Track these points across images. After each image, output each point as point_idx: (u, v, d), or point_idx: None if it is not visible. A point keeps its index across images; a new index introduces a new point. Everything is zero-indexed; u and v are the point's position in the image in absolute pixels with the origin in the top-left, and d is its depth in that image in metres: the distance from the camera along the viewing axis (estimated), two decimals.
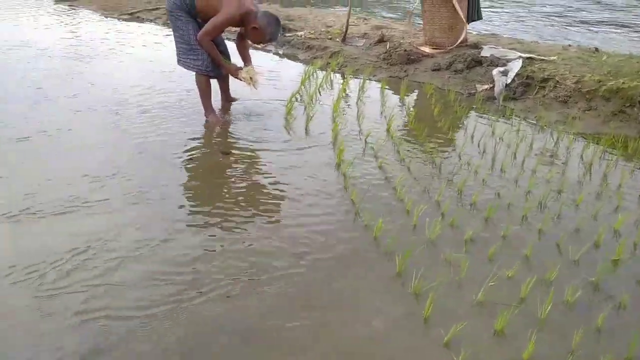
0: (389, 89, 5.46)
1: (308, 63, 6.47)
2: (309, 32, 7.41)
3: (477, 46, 6.36)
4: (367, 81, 5.67)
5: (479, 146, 4.05)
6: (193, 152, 3.61)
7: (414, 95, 5.39)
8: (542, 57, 5.70)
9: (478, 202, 3.12)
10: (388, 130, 4.20)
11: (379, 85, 5.54)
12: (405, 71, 5.98)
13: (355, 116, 4.53)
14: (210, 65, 4.04)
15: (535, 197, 3.23)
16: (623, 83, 4.83)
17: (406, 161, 3.66)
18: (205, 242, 2.56)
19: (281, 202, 3.02)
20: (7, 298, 2.10)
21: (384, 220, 2.78)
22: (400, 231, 2.77)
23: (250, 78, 4.07)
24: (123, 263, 2.34)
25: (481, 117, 4.80)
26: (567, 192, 3.33)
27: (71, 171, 3.18)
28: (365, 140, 3.97)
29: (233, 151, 3.68)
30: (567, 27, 9.87)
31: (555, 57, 5.66)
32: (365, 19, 8.41)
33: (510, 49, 6.26)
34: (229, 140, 3.92)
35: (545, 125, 4.59)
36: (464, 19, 6.25)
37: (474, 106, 5.08)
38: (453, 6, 6.12)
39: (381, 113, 4.71)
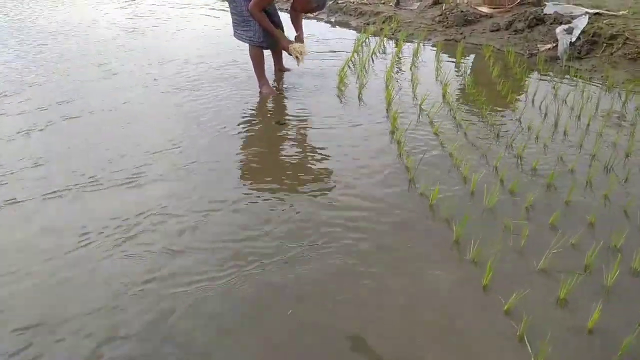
0: (444, 53, 5.30)
1: (360, 30, 6.36)
2: None
3: (539, 3, 6.04)
4: (422, 46, 5.53)
5: (540, 109, 3.88)
6: (247, 124, 3.66)
7: (470, 58, 5.21)
8: (612, 12, 5.34)
9: (539, 167, 3.01)
10: (444, 96, 4.10)
11: (434, 49, 5.38)
12: (461, 33, 5.78)
13: (410, 82, 4.44)
14: (262, 36, 4.05)
15: (601, 161, 3.08)
16: None
17: (463, 127, 3.56)
18: (259, 210, 2.61)
19: (335, 170, 3.02)
20: (71, 261, 2.23)
21: (440, 187, 2.74)
22: (458, 198, 2.72)
23: (298, 54, 4.05)
24: (176, 231, 2.43)
25: (543, 78, 4.59)
26: (635, 154, 3.16)
27: (131, 145, 3.30)
28: (420, 107, 3.90)
29: (286, 121, 3.70)
30: None
31: (625, 11, 5.29)
32: None
33: (576, 4, 5.91)
34: (282, 110, 3.95)
35: (613, 85, 4.34)
36: None
37: (536, 67, 4.86)
38: None
39: (436, 78, 4.59)
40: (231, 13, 4.13)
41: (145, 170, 2.98)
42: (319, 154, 3.23)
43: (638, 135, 3.42)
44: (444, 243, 2.38)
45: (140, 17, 7.16)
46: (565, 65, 4.86)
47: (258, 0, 3.86)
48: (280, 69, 4.73)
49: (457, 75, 4.68)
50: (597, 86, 4.40)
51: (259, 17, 3.92)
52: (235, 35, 4.20)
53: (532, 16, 5.47)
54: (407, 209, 2.63)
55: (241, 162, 3.15)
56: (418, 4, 6.86)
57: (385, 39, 5.79)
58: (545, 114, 3.79)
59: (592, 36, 5.06)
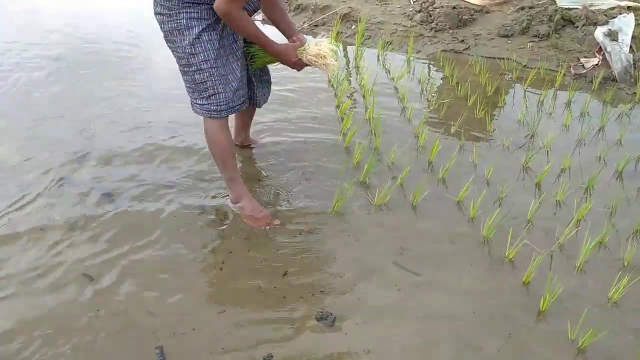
0: (463, 79, 3.60)
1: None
2: None
3: None
4: (414, 61, 3.82)
5: None
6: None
7: (507, 88, 3.53)
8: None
9: None
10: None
11: (439, 66, 3.72)
12: (462, 40, 4.13)
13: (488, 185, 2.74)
14: (230, 95, 2.03)
15: None
16: None
17: None
18: None
19: None
20: None
21: None
22: None
23: (323, 63, 2.06)
24: None
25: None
26: None
27: None
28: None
29: (330, 316, 1.81)
30: None
31: None
32: None
33: None
34: (305, 274, 2.03)
35: None
36: None
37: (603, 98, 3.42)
38: None
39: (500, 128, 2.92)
40: (179, 67, 2.04)
41: None
42: None
43: None
44: None
45: None
46: (632, 93, 3.49)
47: None
48: (243, 144, 2.70)
49: (518, 125, 3.07)
50: None
51: (238, 20, 1.85)
52: (193, 109, 2.12)
53: (559, 15, 3.97)
54: None
55: None
56: None
57: (359, 51, 3.95)
58: None
59: None
